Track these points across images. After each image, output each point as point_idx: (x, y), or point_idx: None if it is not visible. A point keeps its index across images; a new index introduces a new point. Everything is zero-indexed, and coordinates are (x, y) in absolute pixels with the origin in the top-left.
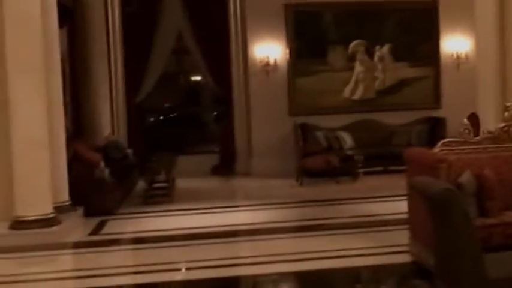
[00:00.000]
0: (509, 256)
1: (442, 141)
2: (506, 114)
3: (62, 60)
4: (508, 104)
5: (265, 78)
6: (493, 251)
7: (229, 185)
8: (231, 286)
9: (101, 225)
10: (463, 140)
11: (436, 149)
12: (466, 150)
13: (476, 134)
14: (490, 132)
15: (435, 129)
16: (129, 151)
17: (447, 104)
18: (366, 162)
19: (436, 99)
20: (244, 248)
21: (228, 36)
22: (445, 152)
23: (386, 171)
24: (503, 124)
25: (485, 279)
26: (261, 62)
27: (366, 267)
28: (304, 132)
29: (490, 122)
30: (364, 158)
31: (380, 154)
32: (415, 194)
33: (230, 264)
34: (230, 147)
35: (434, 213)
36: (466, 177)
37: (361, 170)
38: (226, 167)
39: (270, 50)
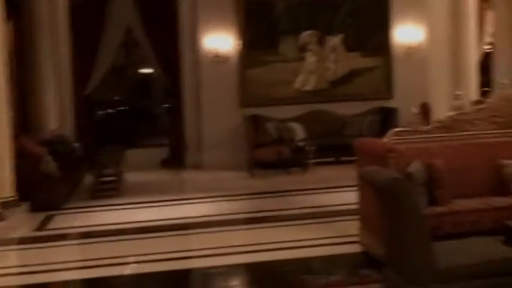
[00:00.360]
0: (458, 245)
1: (391, 131)
2: (456, 103)
3: (9, 53)
4: (458, 92)
5: (216, 69)
6: (443, 240)
7: (179, 178)
8: (182, 279)
9: (47, 220)
10: (413, 129)
11: (386, 139)
12: (416, 140)
13: (427, 124)
14: (440, 122)
15: (387, 120)
16: (76, 145)
17: (399, 94)
18: (318, 153)
19: (388, 90)
20: (196, 241)
21: (178, 28)
22: (394, 141)
23: (338, 162)
24: (453, 113)
25: (434, 268)
26: (211, 53)
27: (317, 258)
28: (256, 123)
29: (441, 111)
30: (316, 148)
31: (332, 145)
32: (365, 184)
33: (181, 257)
34: (180, 140)
35: (384, 203)
36: (415, 167)
37: (313, 161)
38: (176, 160)
39: (220, 40)
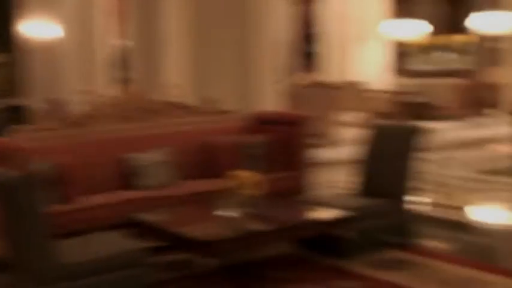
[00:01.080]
0: (84, 241)
1: (17, 129)
2: (84, 99)
3: None
4: (85, 88)
5: None
6: (75, 236)
7: None
8: None
9: None
10: (39, 127)
11: (11, 137)
12: (43, 137)
13: (60, 120)
14: (68, 118)
15: (17, 118)
16: None
17: (30, 91)
18: None
19: (18, 86)
20: None
21: None
22: (18, 140)
23: None
24: (82, 109)
25: (56, 266)
26: None
27: None
28: None
29: (74, 108)
30: None
31: None
32: None
33: None
34: None
35: (2, 203)
36: (39, 165)
37: None
38: None
39: None
